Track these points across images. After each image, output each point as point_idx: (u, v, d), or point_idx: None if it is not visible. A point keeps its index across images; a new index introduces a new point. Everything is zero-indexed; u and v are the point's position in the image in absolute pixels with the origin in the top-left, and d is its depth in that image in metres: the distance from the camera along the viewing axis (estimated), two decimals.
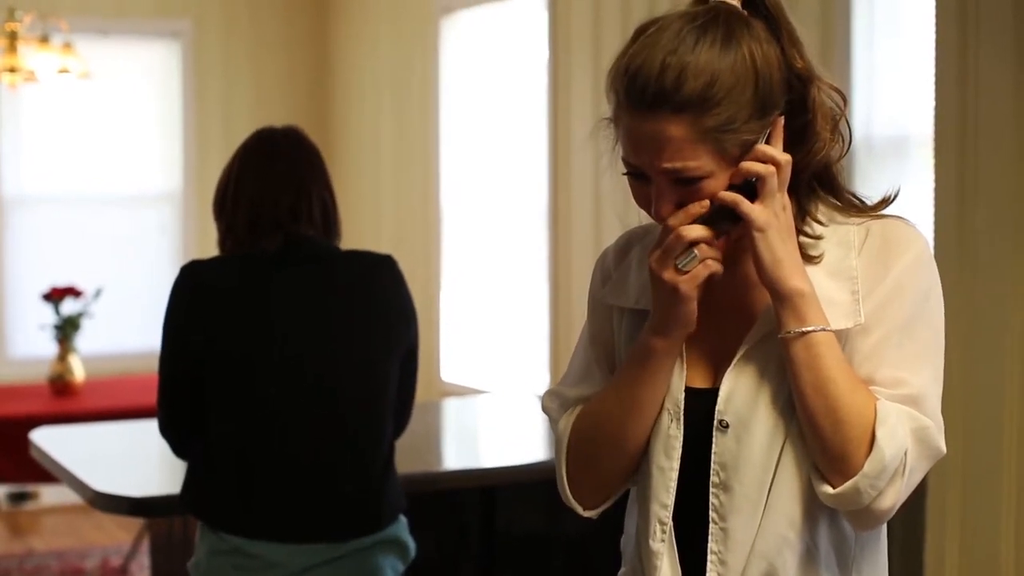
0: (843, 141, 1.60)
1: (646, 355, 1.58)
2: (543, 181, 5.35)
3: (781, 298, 1.51)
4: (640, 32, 1.52)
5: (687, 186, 1.51)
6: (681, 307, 1.54)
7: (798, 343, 1.50)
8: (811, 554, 1.55)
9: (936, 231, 3.38)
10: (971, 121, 3.33)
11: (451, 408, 4.73)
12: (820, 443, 1.50)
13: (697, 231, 1.50)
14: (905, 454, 1.48)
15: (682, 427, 1.59)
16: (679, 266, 1.51)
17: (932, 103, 3.45)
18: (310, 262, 2.62)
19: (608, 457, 1.64)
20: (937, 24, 3.43)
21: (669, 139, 1.48)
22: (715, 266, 1.52)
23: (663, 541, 1.60)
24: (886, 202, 1.62)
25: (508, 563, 3.73)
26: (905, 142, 3.73)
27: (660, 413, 1.60)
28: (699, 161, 1.49)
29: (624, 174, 1.56)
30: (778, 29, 1.54)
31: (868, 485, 1.47)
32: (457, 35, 6.10)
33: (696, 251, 1.51)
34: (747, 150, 1.51)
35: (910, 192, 3.56)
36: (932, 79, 3.45)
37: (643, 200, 1.56)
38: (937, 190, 3.42)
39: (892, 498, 1.49)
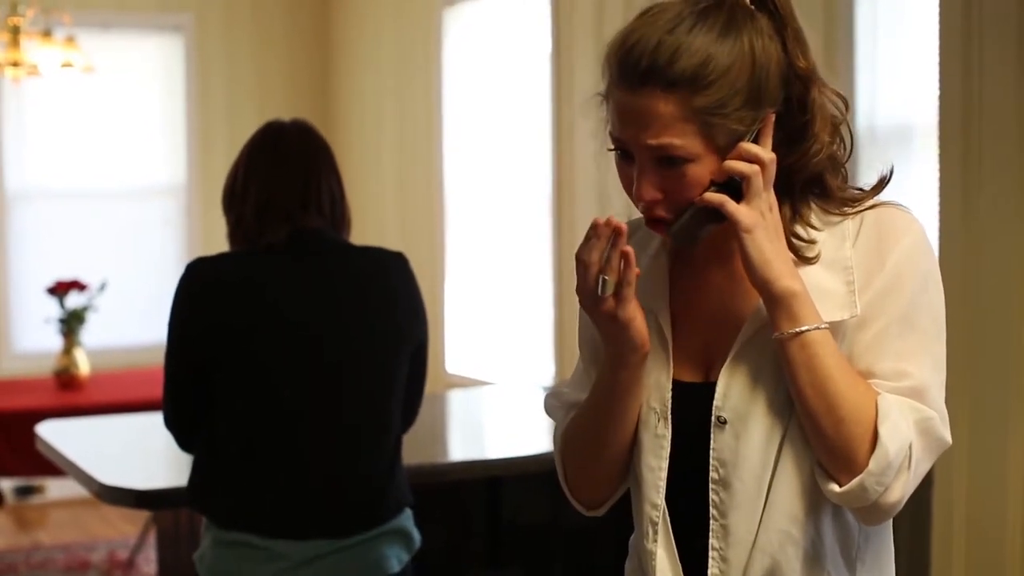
0: (844, 147, 1.57)
1: (612, 389, 1.58)
2: (547, 173, 5.35)
3: (773, 299, 1.48)
4: (643, 13, 1.51)
5: (670, 168, 1.49)
6: (626, 332, 1.53)
7: (793, 343, 1.47)
8: (815, 548, 1.54)
9: (941, 221, 3.37)
10: (975, 110, 3.32)
11: (456, 400, 4.73)
12: (823, 442, 1.48)
13: (590, 255, 1.49)
14: (910, 447, 1.47)
15: (670, 426, 1.58)
16: (600, 294, 1.50)
17: (936, 92, 3.44)
18: (318, 255, 2.60)
19: (594, 465, 1.64)
20: (941, 12, 3.42)
21: (657, 115, 1.46)
22: (632, 273, 1.50)
23: (655, 542, 1.58)
24: (882, 183, 1.59)
25: (513, 553, 3.74)
26: (909, 131, 3.72)
27: (647, 413, 1.59)
28: (684, 140, 1.47)
29: (610, 150, 1.54)
30: (783, 27, 1.52)
31: (874, 482, 1.46)
32: (460, 27, 6.09)
33: (606, 276, 1.49)
34: (735, 142, 1.49)
35: (915, 182, 3.55)
36: (936, 68, 3.44)
37: (627, 181, 1.53)
38: (942, 180, 3.41)
39: (899, 492, 1.47)
